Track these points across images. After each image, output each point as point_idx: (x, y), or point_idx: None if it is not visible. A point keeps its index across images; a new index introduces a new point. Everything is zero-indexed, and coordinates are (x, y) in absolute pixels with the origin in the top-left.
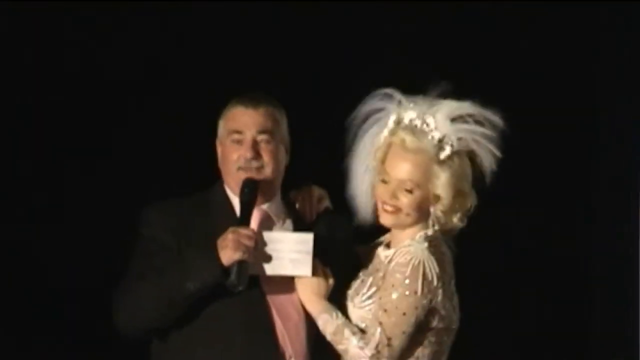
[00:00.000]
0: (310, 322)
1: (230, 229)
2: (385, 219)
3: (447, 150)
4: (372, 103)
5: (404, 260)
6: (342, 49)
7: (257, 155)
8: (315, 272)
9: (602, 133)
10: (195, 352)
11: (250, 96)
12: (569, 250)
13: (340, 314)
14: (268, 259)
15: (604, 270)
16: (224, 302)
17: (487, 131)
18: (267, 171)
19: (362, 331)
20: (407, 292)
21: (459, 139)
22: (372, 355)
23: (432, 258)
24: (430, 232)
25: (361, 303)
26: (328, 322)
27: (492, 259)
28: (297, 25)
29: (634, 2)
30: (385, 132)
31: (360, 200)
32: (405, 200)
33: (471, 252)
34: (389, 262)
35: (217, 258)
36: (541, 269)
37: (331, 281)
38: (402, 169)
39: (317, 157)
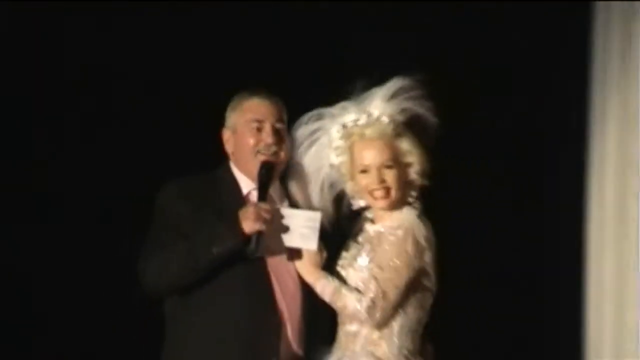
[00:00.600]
0: (304, 292)
1: (252, 202)
2: (381, 204)
3: (399, 124)
4: (304, 128)
5: (396, 224)
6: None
7: (277, 141)
8: None
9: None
10: (205, 309)
11: (261, 90)
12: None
13: (334, 278)
14: (280, 232)
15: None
16: (233, 270)
17: (420, 94)
18: (281, 155)
19: (357, 290)
20: (399, 251)
21: (403, 110)
22: (368, 307)
23: (422, 224)
24: (414, 206)
25: (359, 267)
26: (326, 286)
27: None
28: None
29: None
30: (338, 143)
31: (316, 201)
32: (390, 176)
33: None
34: (382, 231)
35: (240, 227)
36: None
37: (325, 254)
38: (375, 153)
39: None
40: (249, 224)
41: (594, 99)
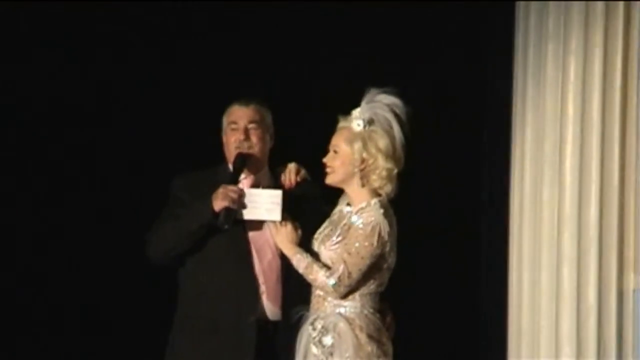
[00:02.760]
0: (281, 262)
1: (221, 185)
2: (326, 180)
3: (357, 124)
4: None
5: (367, 221)
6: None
7: (247, 138)
8: (289, 224)
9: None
10: (199, 274)
11: (244, 98)
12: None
13: (309, 254)
14: (250, 208)
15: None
16: (220, 242)
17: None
18: (255, 150)
19: (327, 267)
20: (366, 244)
21: (372, 114)
22: (335, 283)
23: (386, 221)
24: (380, 199)
25: (331, 247)
26: (301, 260)
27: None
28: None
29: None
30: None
31: None
32: (334, 159)
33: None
34: (352, 219)
35: (211, 205)
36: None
37: (300, 232)
38: (335, 138)
39: (303, 143)
40: (217, 202)
41: (515, 98)
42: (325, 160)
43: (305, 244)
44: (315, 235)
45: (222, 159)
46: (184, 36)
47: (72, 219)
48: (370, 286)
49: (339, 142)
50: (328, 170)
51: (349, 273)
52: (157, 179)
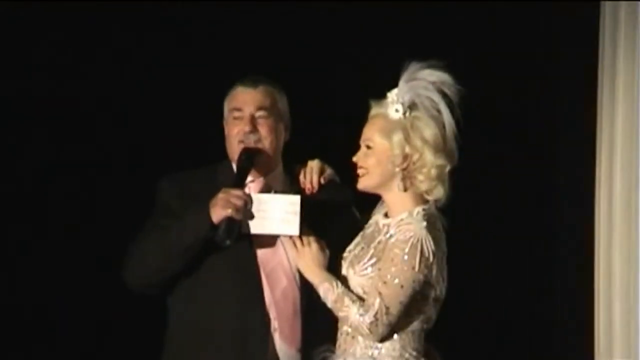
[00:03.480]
0: (300, 291)
1: (222, 189)
2: (358, 184)
3: (400, 108)
4: None
5: (404, 237)
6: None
7: (254, 129)
8: (313, 242)
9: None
10: (193, 306)
11: (251, 77)
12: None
13: (340, 283)
14: (259, 218)
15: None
16: (219, 263)
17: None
18: (265, 144)
19: (361, 299)
20: (405, 267)
21: (414, 96)
22: (372, 322)
23: (430, 237)
24: (426, 207)
25: (362, 272)
26: (329, 291)
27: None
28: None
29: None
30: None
31: None
32: (367, 157)
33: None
34: (388, 235)
35: (208, 215)
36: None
37: (327, 252)
38: (366, 131)
39: (330, 134)
40: (216, 211)
41: (601, 99)
42: (355, 158)
43: (332, 266)
44: (345, 254)
45: (223, 155)
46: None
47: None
48: (413, 322)
49: (372, 135)
50: (360, 171)
51: (387, 308)
52: (141, 179)
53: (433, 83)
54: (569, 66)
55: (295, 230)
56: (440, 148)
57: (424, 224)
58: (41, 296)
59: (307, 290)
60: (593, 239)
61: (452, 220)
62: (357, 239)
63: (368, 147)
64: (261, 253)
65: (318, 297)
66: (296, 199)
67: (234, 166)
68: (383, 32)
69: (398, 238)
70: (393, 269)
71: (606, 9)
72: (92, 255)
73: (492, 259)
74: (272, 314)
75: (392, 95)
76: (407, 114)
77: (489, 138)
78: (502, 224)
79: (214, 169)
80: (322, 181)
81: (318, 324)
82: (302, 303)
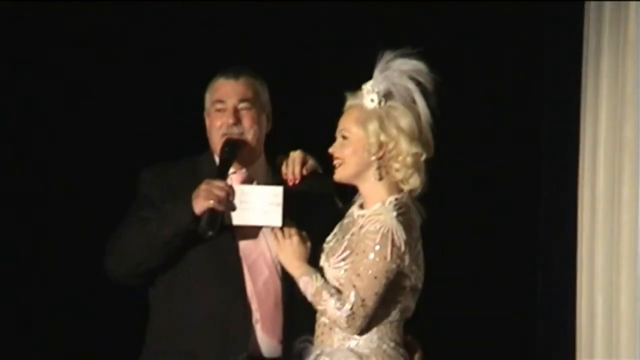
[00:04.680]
0: (282, 282)
1: (205, 180)
2: (335, 175)
3: (370, 98)
4: None
5: (374, 228)
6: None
7: (238, 121)
8: (294, 234)
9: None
10: (174, 297)
11: (232, 68)
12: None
13: (319, 276)
14: (241, 210)
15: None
16: (201, 255)
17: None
18: (248, 136)
19: (338, 292)
20: (377, 258)
21: (389, 84)
22: (348, 316)
23: (400, 227)
24: (399, 196)
25: (336, 264)
26: (309, 284)
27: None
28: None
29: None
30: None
31: None
32: (343, 147)
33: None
34: (361, 226)
35: (190, 206)
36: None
37: (309, 243)
38: (341, 122)
39: (310, 126)
40: (198, 202)
41: (585, 97)
42: (331, 149)
43: (313, 258)
44: (324, 245)
45: (205, 147)
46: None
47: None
48: (391, 313)
49: (348, 125)
50: (336, 162)
51: (362, 300)
52: (122, 172)
53: (406, 72)
54: (553, 64)
55: (277, 221)
56: (416, 137)
57: (394, 213)
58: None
59: (288, 281)
60: (576, 233)
61: (433, 210)
62: (335, 230)
63: (344, 137)
64: (243, 244)
65: (299, 289)
66: (279, 190)
67: (216, 158)
68: (367, 23)
69: (368, 229)
70: (365, 261)
71: (590, 8)
72: (72, 247)
73: (473, 251)
74: (254, 306)
75: (367, 85)
76: (382, 103)
77: (473, 134)
78: (485, 218)
79: (195, 161)
80: (305, 172)
81: (300, 316)
82: (284, 295)
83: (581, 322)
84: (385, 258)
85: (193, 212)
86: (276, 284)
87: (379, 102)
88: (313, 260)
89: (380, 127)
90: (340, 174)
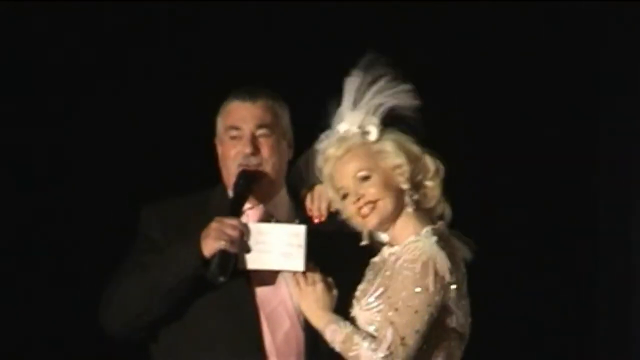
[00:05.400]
0: (305, 334)
1: (215, 218)
2: (370, 222)
3: (373, 129)
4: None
5: (413, 256)
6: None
7: (255, 150)
8: (318, 281)
9: (603, 132)
10: (180, 354)
11: (247, 89)
12: (573, 253)
13: (348, 323)
14: (257, 252)
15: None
16: (211, 304)
17: (383, 83)
18: (267, 167)
19: (372, 335)
20: (418, 289)
21: (375, 110)
22: (385, 356)
23: (443, 253)
24: (435, 226)
25: (368, 305)
26: (336, 332)
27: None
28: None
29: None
30: (322, 171)
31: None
32: (370, 188)
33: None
34: (396, 260)
35: (199, 248)
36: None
37: (335, 292)
38: (348, 170)
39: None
40: (208, 243)
41: None
42: (354, 198)
43: (340, 306)
44: (357, 293)
45: (217, 179)
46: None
47: None
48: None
49: (362, 164)
50: (366, 209)
51: (402, 339)
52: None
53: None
54: (614, 65)
55: (299, 265)
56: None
57: (435, 238)
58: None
59: (312, 333)
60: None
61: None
62: (367, 276)
63: (365, 178)
64: (260, 291)
65: (324, 340)
66: (301, 230)
67: (230, 192)
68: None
69: (406, 258)
70: (404, 294)
71: None
72: (67, 297)
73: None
74: None
75: (351, 125)
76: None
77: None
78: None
79: (205, 195)
80: (332, 209)
81: None
82: (307, 349)
83: None
84: (427, 289)
85: (202, 255)
86: (299, 337)
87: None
88: (341, 311)
89: (399, 149)
90: (378, 217)
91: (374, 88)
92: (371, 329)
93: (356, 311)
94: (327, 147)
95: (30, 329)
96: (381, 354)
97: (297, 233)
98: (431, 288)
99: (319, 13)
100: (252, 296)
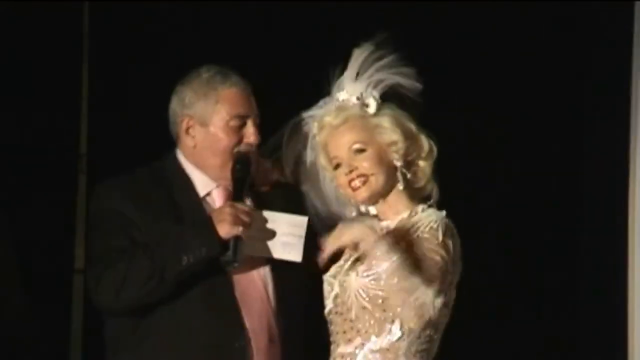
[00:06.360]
0: (276, 308)
1: (228, 203)
2: (360, 196)
3: (372, 102)
4: (295, 138)
5: (435, 225)
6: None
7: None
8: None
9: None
10: (161, 334)
11: (232, 75)
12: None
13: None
14: (260, 238)
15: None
16: (189, 290)
17: (389, 60)
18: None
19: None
20: (440, 244)
21: (376, 84)
22: (441, 264)
23: (453, 226)
24: (430, 202)
25: (368, 270)
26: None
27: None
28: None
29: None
30: (316, 137)
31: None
32: (363, 162)
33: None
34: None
35: (216, 232)
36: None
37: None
38: (343, 141)
39: None
40: (225, 228)
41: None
42: (347, 169)
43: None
44: (344, 263)
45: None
46: None
47: None
48: (420, 334)
49: (358, 137)
50: (358, 181)
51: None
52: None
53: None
54: (601, 67)
55: (298, 256)
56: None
57: (444, 212)
58: None
59: (285, 309)
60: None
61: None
62: (346, 255)
63: (360, 150)
64: (232, 273)
65: (290, 313)
66: (303, 221)
67: (184, 163)
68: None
69: (424, 223)
70: (425, 243)
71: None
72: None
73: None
74: (252, 340)
75: (351, 96)
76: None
77: (520, 139)
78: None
79: (158, 167)
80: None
81: (300, 347)
82: (280, 328)
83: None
84: (446, 246)
85: (221, 240)
86: (268, 314)
87: (364, 107)
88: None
89: (397, 126)
90: (369, 191)
91: (380, 63)
92: (364, 296)
93: (352, 278)
94: (324, 115)
95: None
96: (441, 260)
97: (299, 224)
98: (451, 248)
99: (319, 13)
100: (230, 279)
